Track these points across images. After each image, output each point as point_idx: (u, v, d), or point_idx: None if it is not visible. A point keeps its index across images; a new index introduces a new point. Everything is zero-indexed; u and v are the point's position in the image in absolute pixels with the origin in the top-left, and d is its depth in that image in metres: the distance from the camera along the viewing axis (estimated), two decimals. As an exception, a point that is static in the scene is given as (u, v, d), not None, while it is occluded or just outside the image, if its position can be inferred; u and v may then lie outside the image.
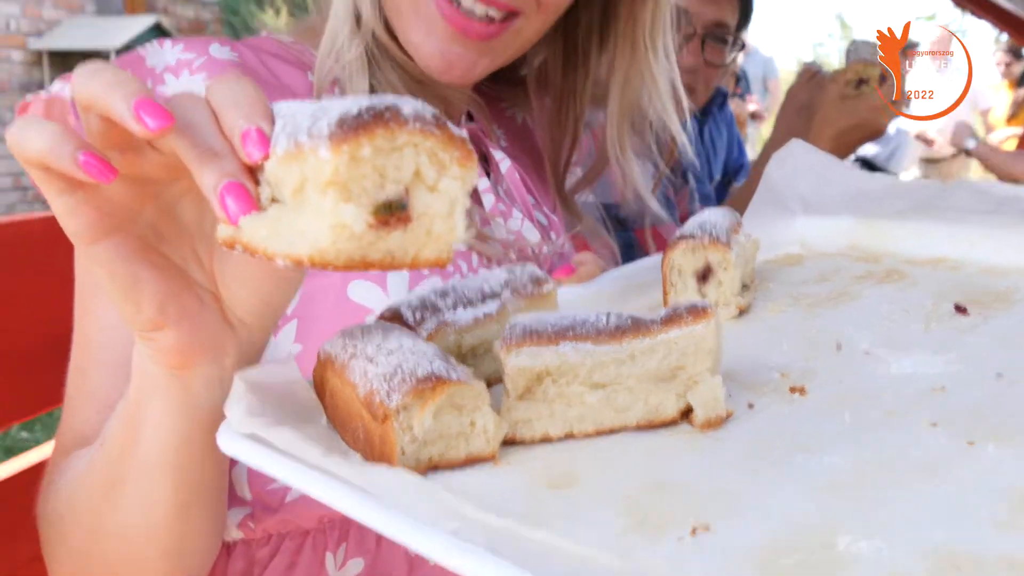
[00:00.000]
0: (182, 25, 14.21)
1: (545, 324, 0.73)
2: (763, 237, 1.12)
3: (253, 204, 0.59)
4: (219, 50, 1.13)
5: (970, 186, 1.13)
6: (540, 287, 0.92)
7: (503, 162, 1.29)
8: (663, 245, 1.83)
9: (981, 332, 0.84)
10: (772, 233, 1.18)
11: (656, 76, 1.28)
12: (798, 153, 1.27)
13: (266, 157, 0.60)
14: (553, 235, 1.34)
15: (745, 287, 1.03)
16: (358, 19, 1.17)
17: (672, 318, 0.71)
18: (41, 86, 11.57)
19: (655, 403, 0.71)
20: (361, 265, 0.58)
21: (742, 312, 0.99)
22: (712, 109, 3.10)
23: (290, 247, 0.58)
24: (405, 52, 1.19)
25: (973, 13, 12.54)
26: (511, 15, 1.15)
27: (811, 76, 2.20)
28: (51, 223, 1.52)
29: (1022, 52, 10.00)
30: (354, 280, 1.07)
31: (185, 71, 1.09)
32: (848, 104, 1.98)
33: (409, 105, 0.59)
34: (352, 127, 0.55)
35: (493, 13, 1.13)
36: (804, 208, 1.23)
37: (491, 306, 0.87)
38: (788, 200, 1.23)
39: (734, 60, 2.34)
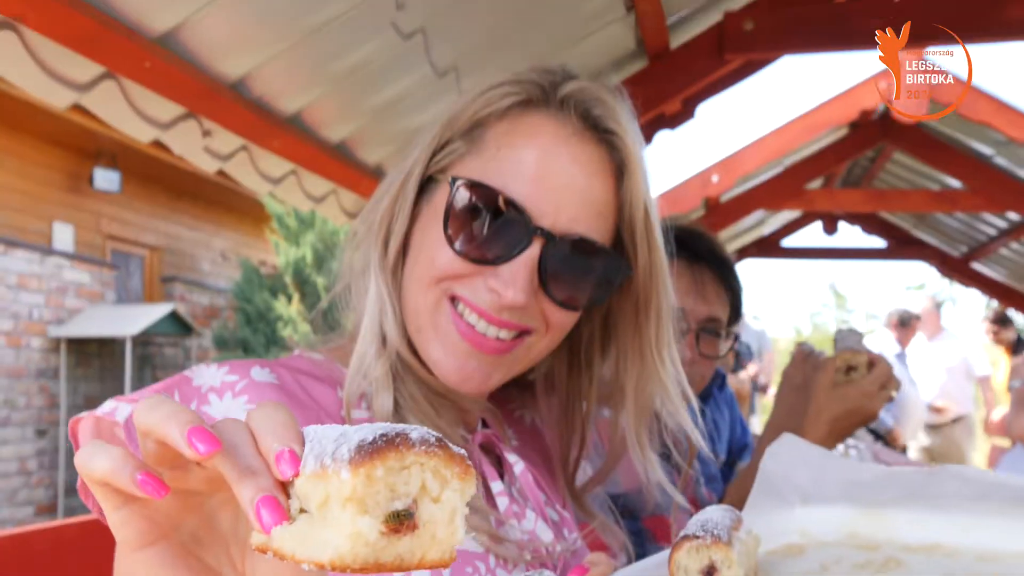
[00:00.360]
0: (197, 312, 14.74)
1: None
2: (764, 528, 1.19)
3: (284, 515, 0.69)
4: (260, 373, 1.25)
5: (955, 472, 1.21)
6: (558, 593, 0.99)
7: (516, 464, 1.39)
8: (669, 534, 1.89)
9: (973, 626, 0.89)
10: (772, 524, 1.25)
11: (667, 383, 1.39)
12: (791, 446, 1.35)
13: (296, 475, 0.70)
14: (566, 531, 1.41)
15: None
16: (384, 340, 1.30)
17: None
18: (57, 373, 11.83)
19: None
20: (375, 568, 0.67)
21: (749, 609, 1.05)
22: (712, 391, 3.26)
23: (314, 553, 0.67)
24: (425, 367, 1.31)
25: (959, 282, 12.91)
26: (523, 333, 1.29)
27: (804, 357, 2.34)
28: (86, 527, 1.59)
29: (1008, 318, 10.32)
30: None
31: (228, 393, 1.20)
32: (839, 391, 2.11)
33: (416, 431, 0.69)
34: (368, 452, 0.66)
35: (504, 335, 1.27)
36: (802, 499, 1.30)
37: (515, 613, 0.94)
38: (786, 492, 1.30)
39: (728, 352, 2.50)
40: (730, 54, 4.52)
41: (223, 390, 1.20)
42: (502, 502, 1.33)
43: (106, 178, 12.65)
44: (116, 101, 2.76)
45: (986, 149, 8.30)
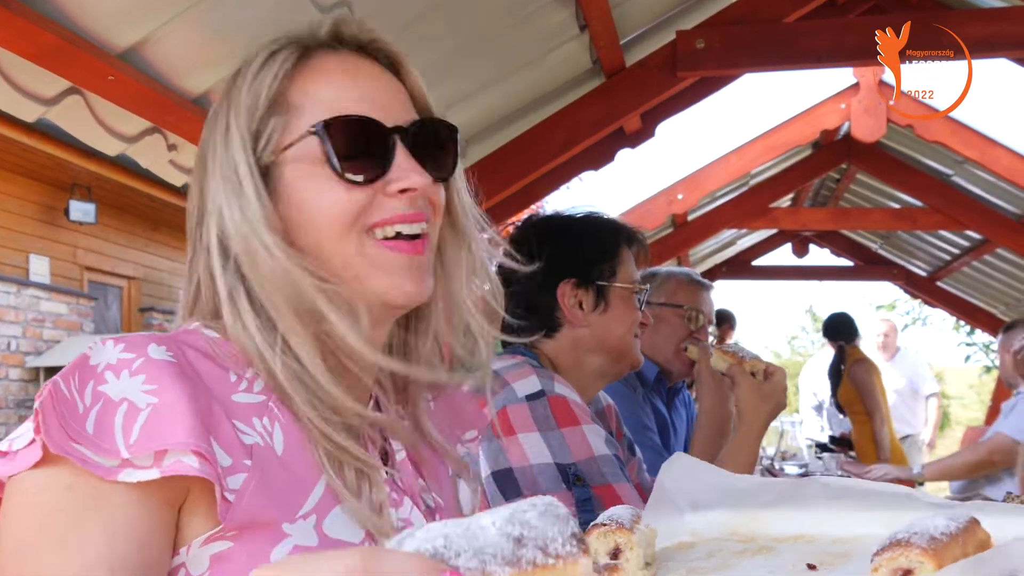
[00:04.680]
0: (174, 338, 14.69)
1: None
2: (660, 529, 1.36)
3: None
4: (156, 351, 1.23)
5: (819, 480, 1.41)
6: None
7: (399, 452, 1.45)
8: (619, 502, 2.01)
9: (822, 581, 1.07)
10: (667, 526, 1.43)
11: (475, 251, 1.49)
12: (681, 463, 1.56)
13: None
14: (438, 516, 1.47)
15: (648, 565, 1.26)
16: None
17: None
18: (35, 402, 11.80)
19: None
20: None
21: (646, 582, 1.25)
22: (673, 398, 3.51)
23: None
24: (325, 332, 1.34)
25: (926, 301, 12.98)
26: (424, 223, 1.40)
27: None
28: None
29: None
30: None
31: (125, 371, 1.19)
32: (766, 389, 2.50)
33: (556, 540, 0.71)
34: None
35: (418, 229, 1.36)
36: (691, 506, 1.49)
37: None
38: (678, 500, 1.50)
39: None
40: (683, 71, 4.65)
41: (119, 368, 1.20)
42: (383, 491, 1.37)
43: (81, 210, 12.57)
44: (82, 115, 2.84)
45: (944, 168, 8.47)
